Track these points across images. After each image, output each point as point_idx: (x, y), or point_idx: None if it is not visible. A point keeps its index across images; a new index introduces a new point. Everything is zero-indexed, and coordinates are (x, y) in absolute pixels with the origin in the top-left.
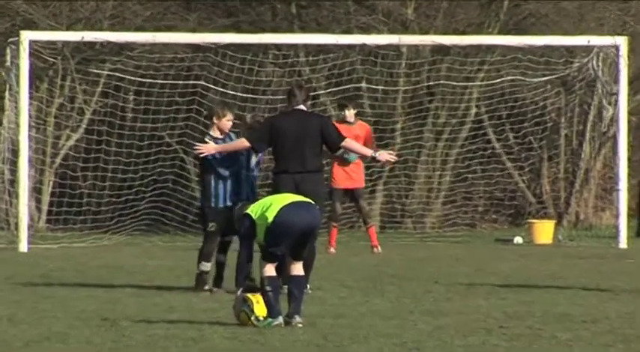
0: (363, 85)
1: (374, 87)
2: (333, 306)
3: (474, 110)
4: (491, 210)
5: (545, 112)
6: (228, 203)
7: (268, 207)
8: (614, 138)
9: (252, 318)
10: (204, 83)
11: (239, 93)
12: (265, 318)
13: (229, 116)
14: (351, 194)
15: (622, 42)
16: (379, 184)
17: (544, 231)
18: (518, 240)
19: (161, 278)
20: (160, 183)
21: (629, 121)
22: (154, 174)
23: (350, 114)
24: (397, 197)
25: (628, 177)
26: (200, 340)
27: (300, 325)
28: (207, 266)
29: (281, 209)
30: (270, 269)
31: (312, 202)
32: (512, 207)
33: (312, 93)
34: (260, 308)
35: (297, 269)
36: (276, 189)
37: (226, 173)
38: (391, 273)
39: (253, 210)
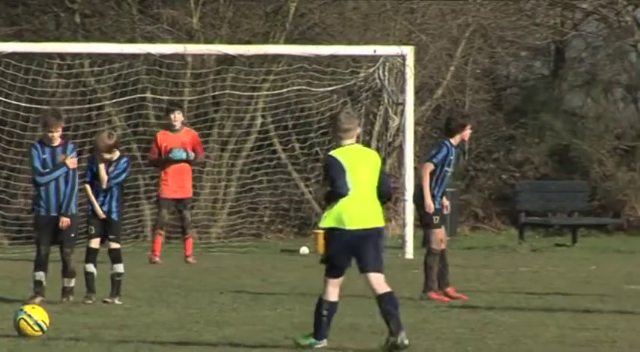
0: (148, 94)
1: (159, 97)
2: (118, 317)
3: (259, 120)
4: (277, 221)
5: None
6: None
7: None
8: (400, 149)
9: (33, 323)
10: None
11: (23, 104)
12: (307, 337)
13: (58, 128)
14: (177, 203)
15: (408, 51)
16: None
17: None
18: (304, 250)
19: None
20: None
21: (415, 131)
22: None
23: (176, 118)
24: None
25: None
26: None
27: (407, 342)
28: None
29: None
30: (334, 294)
31: None
32: (298, 218)
33: (97, 104)
34: (38, 312)
35: (382, 287)
36: None
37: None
38: (176, 284)
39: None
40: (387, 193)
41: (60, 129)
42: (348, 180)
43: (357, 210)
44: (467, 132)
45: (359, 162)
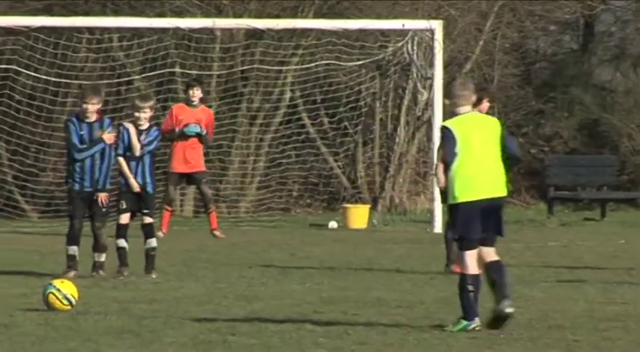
0: (177, 69)
1: (188, 71)
2: (147, 291)
3: (288, 95)
4: (305, 195)
5: (361, 97)
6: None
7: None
8: (429, 123)
9: (62, 297)
10: (16, 67)
11: (52, 78)
12: (459, 322)
13: (93, 100)
14: (190, 178)
15: (437, 26)
16: None
17: (359, 215)
18: (332, 224)
19: None
20: None
21: (443, 106)
22: None
23: (195, 94)
24: (211, 182)
25: None
26: (12, 326)
27: (509, 310)
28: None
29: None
30: (474, 266)
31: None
32: (326, 192)
33: (126, 79)
34: (67, 286)
35: (491, 256)
36: None
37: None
38: (205, 258)
39: None
40: (514, 157)
41: (95, 104)
42: (458, 150)
43: (477, 180)
44: (484, 106)
45: (475, 131)
